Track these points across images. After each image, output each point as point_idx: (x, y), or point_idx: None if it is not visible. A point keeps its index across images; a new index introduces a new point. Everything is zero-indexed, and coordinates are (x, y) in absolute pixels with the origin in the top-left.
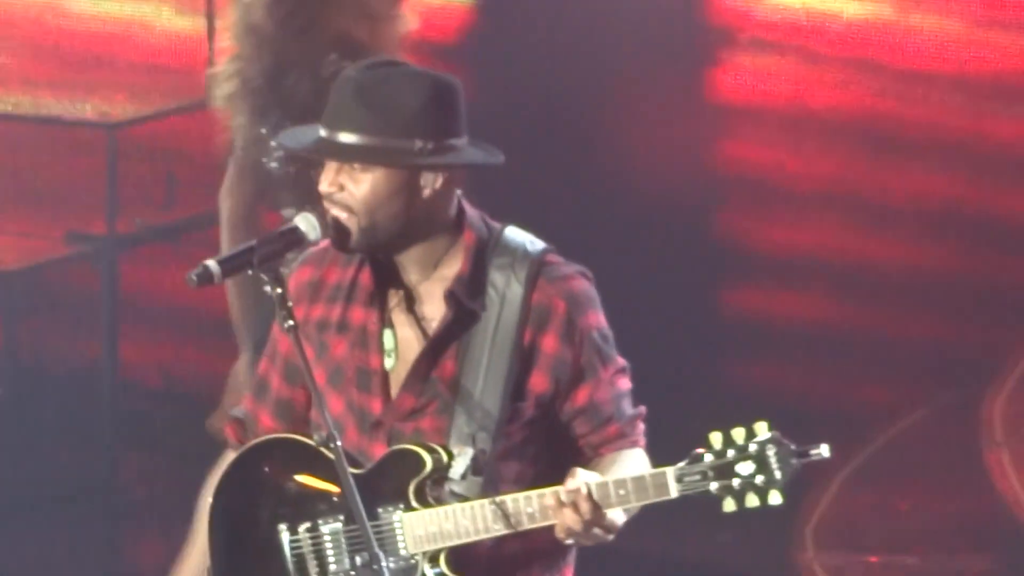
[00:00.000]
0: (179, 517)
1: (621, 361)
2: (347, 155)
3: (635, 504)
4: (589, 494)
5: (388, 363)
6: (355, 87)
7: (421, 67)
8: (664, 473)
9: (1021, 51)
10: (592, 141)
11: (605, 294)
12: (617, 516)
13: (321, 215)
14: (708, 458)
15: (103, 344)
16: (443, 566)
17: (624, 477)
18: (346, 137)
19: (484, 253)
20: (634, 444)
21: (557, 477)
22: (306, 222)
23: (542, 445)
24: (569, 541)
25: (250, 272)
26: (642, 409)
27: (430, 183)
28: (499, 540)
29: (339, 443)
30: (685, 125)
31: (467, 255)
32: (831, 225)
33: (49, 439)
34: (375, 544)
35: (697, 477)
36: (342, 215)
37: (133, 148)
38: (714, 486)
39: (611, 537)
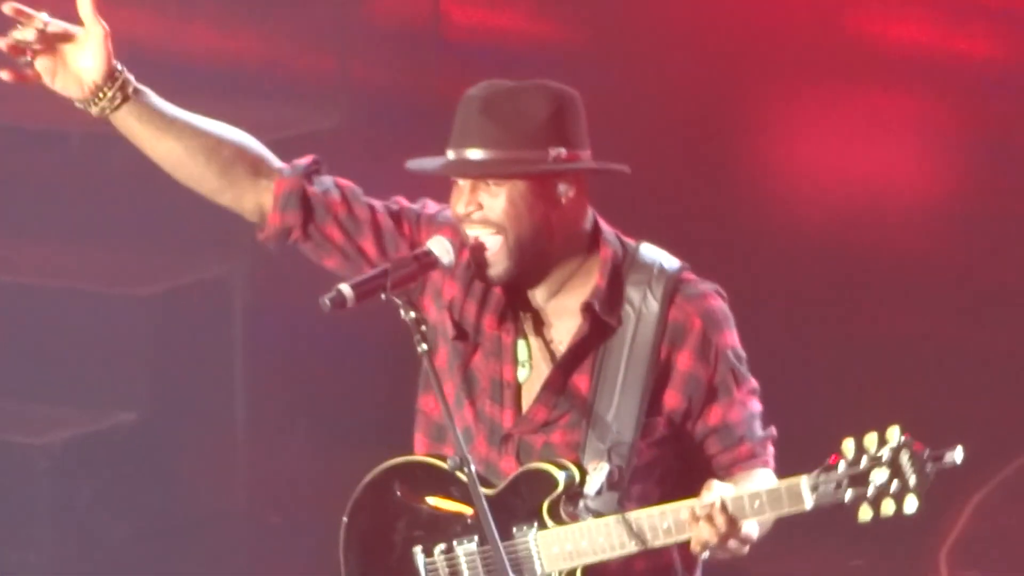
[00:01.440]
0: (314, 542)
1: (753, 382)
2: (483, 169)
3: (770, 516)
4: (724, 507)
5: (521, 375)
6: (480, 104)
7: (540, 80)
8: (798, 484)
9: None
10: (728, 156)
11: (737, 313)
12: (752, 529)
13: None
14: (842, 467)
15: (237, 369)
16: None
17: (759, 489)
18: (478, 153)
19: (620, 269)
20: (764, 465)
21: (681, 498)
22: (440, 246)
23: (668, 466)
24: (704, 555)
25: (383, 296)
26: (773, 431)
27: (565, 193)
28: (630, 557)
29: (473, 467)
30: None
31: (603, 270)
32: (965, 236)
33: (185, 464)
34: (508, 566)
35: (832, 486)
36: (486, 234)
37: None
38: (848, 495)
39: (746, 550)
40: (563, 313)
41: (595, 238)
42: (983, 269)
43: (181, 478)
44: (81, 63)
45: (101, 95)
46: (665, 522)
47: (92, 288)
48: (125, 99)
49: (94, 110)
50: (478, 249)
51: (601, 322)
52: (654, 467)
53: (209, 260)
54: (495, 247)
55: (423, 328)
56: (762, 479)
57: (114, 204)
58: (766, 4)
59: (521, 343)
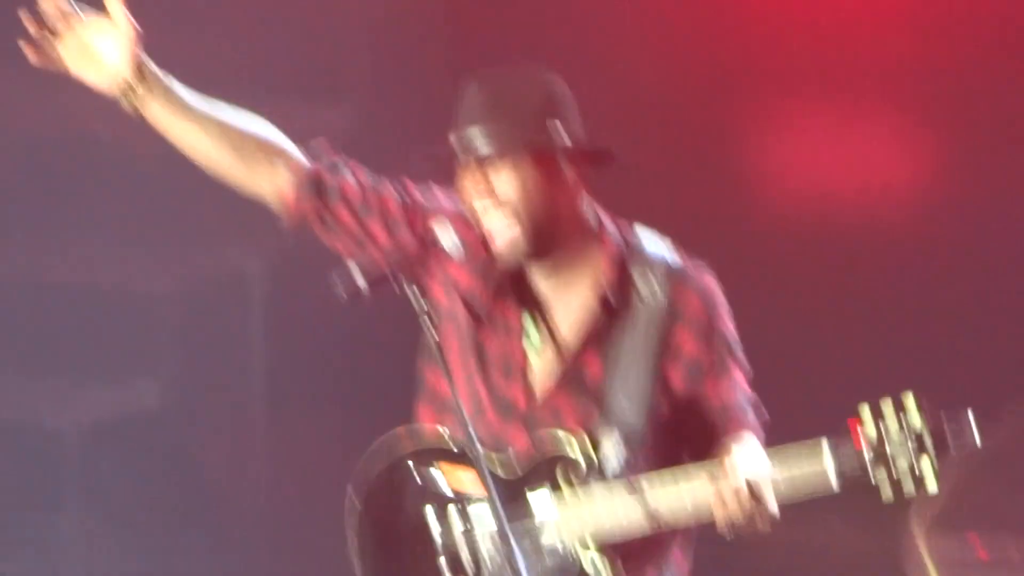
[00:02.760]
0: (333, 526)
1: (746, 365)
2: (494, 147)
3: (794, 499)
4: (750, 491)
5: (531, 353)
6: (480, 90)
7: (532, 66)
8: (824, 472)
9: None
10: (722, 152)
11: (732, 300)
12: (774, 506)
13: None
14: (868, 454)
15: (258, 357)
16: (593, 549)
17: (784, 476)
18: (483, 134)
19: (623, 257)
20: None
21: None
22: (443, 231)
23: (667, 444)
24: (728, 535)
25: (394, 285)
26: (764, 414)
27: (567, 172)
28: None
29: (480, 451)
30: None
31: (609, 259)
32: (962, 222)
33: (207, 452)
34: (515, 547)
35: (858, 472)
36: (502, 221)
37: None
38: (875, 478)
39: (768, 527)
40: (569, 296)
41: (596, 224)
42: (963, 255)
43: (203, 462)
44: (110, 56)
45: (131, 88)
46: (687, 505)
47: (115, 282)
48: (153, 91)
49: (125, 103)
50: (495, 236)
51: (612, 309)
52: (656, 446)
53: (229, 252)
54: (510, 235)
55: (429, 313)
56: (752, 445)
57: (136, 200)
58: (757, 4)
59: (529, 324)
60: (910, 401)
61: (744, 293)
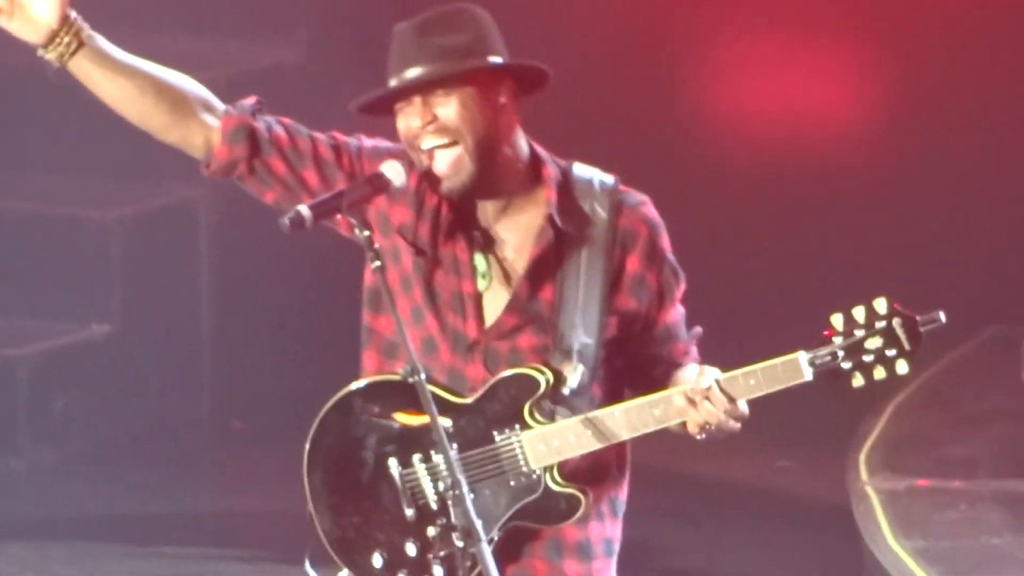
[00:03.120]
0: (278, 448)
1: (684, 284)
2: (437, 74)
3: (766, 392)
4: (721, 388)
5: (482, 286)
6: (414, 30)
7: (460, 3)
8: (796, 359)
9: None
10: (666, 89)
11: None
12: (743, 405)
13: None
14: (837, 340)
15: (204, 286)
16: (558, 476)
17: (753, 368)
18: (422, 70)
19: (564, 183)
20: (694, 361)
21: (619, 398)
22: (392, 169)
23: (614, 365)
24: (700, 437)
25: (339, 216)
26: (698, 330)
27: (506, 99)
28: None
29: (422, 376)
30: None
31: (551, 184)
32: (882, 157)
33: (154, 375)
34: (458, 472)
35: (828, 358)
36: (444, 142)
37: None
38: (846, 364)
39: (739, 426)
40: (513, 227)
41: (532, 156)
42: (900, 185)
43: (150, 389)
44: (37, 9)
45: (57, 41)
46: (656, 409)
47: (63, 213)
48: (80, 45)
49: (51, 56)
50: (438, 160)
51: (561, 232)
52: (605, 367)
53: (176, 184)
54: (454, 156)
55: (376, 247)
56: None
57: (85, 134)
58: None
59: (478, 256)
60: (880, 302)
61: (689, 229)
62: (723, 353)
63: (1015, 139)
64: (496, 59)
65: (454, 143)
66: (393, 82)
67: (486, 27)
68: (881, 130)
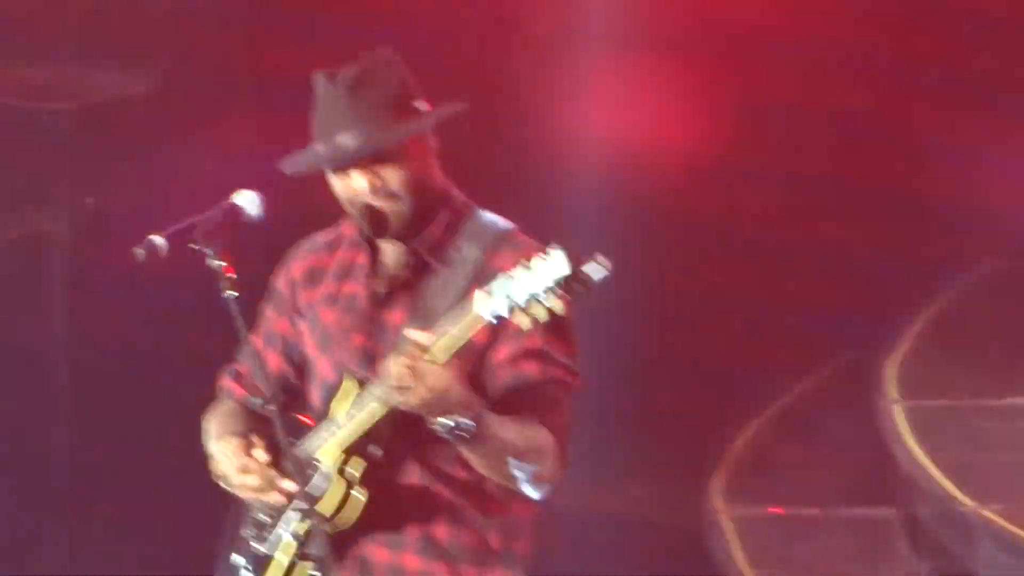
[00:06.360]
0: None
1: (553, 339)
2: (381, 145)
3: (457, 338)
4: (415, 341)
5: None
6: (342, 90)
7: (373, 53)
8: (472, 300)
9: None
10: (514, 120)
11: None
12: (455, 391)
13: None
14: (504, 279)
15: (57, 322)
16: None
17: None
18: (356, 137)
19: (458, 223)
20: (543, 423)
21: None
22: (245, 198)
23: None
24: (437, 428)
25: (193, 246)
26: (553, 390)
27: (433, 136)
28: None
29: (273, 407)
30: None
31: (443, 220)
32: (740, 194)
33: (10, 422)
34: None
35: (503, 296)
36: (385, 204)
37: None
38: (516, 305)
39: (467, 421)
40: (398, 257)
41: (443, 193)
42: (742, 215)
43: (7, 432)
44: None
45: None
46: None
47: None
48: None
49: None
50: (374, 217)
51: (426, 264)
52: None
53: (31, 216)
54: (394, 211)
55: (229, 276)
56: (531, 430)
57: None
58: None
59: (377, 300)
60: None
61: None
62: None
63: (861, 158)
64: (423, 106)
65: (397, 200)
66: (326, 147)
67: (403, 71)
68: (729, 152)
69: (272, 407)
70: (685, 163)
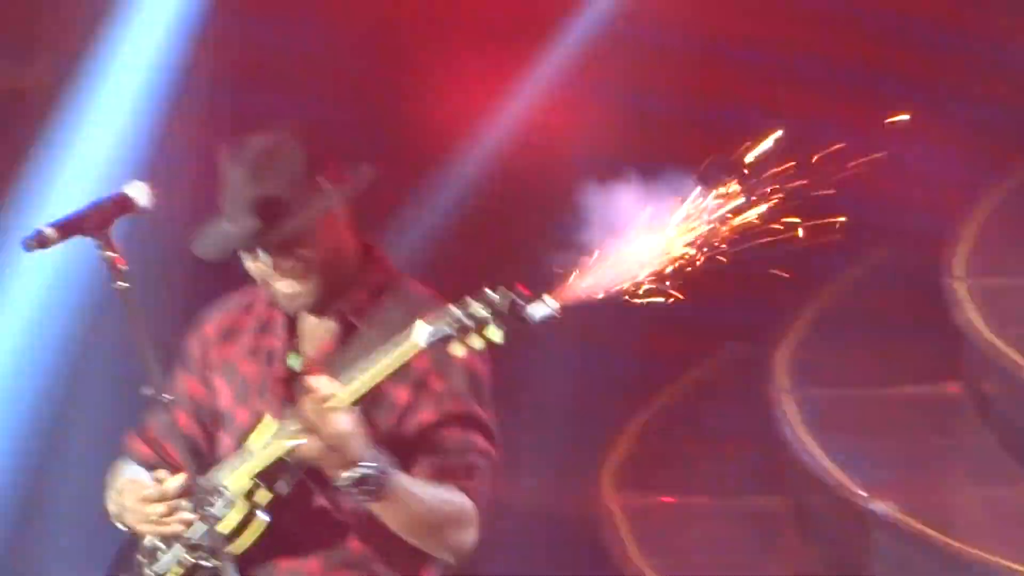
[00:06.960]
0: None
1: (474, 407)
2: (289, 229)
3: (367, 383)
4: (318, 387)
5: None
6: (247, 170)
7: (276, 130)
8: (413, 330)
9: None
10: (399, 118)
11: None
12: (357, 439)
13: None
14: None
15: None
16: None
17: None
18: (270, 217)
19: (383, 287)
20: (460, 489)
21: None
22: (136, 189)
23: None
24: (342, 484)
25: (83, 236)
26: (474, 458)
27: (342, 208)
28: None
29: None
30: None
31: (370, 286)
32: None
33: None
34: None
35: (443, 326)
36: (295, 285)
37: None
38: (454, 329)
39: (372, 473)
40: (321, 325)
41: (364, 257)
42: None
43: None
44: None
45: None
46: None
47: None
48: None
49: None
50: (289, 297)
51: (353, 328)
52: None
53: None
54: (306, 288)
55: (122, 268)
56: (448, 494)
57: None
58: None
59: (292, 355)
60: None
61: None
62: None
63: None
64: (328, 185)
65: (306, 281)
66: (233, 226)
67: (308, 146)
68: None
69: (167, 398)
70: (558, 157)
